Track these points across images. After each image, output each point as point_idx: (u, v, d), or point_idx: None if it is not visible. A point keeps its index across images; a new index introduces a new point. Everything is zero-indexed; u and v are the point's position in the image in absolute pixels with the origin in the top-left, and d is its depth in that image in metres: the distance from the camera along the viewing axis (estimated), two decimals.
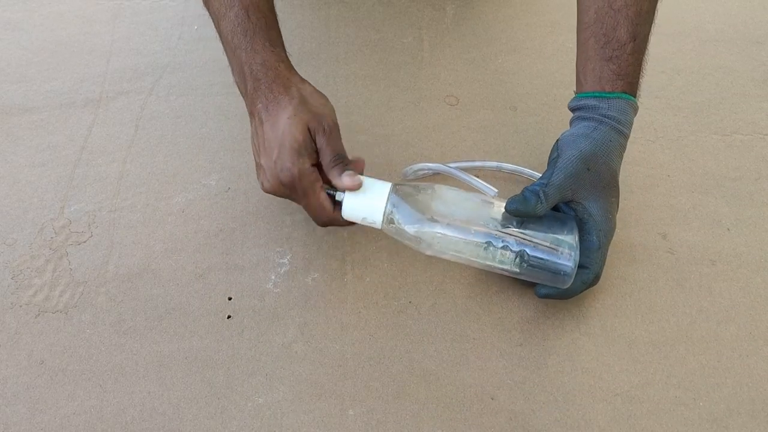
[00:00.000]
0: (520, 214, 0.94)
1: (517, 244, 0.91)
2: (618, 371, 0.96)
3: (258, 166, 1.00)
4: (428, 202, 0.94)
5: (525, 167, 1.14)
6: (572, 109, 1.06)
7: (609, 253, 1.01)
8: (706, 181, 1.18)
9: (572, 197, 0.97)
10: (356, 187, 0.93)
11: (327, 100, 1.01)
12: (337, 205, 0.96)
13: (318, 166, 0.97)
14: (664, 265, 1.07)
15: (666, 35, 1.45)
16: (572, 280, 0.92)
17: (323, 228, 1.07)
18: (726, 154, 1.22)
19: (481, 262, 0.94)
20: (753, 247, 1.10)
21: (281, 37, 1.03)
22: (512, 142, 1.24)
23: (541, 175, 1.00)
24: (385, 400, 0.93)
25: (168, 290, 1.03)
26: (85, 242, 1.08)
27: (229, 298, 1.02)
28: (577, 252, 0.92)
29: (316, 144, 0.95)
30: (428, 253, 0.95)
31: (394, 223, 0.94)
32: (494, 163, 1.16)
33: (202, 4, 1.06)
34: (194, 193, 1.15)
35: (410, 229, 0.93)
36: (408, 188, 0.96)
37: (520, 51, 1.25)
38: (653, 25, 1.05)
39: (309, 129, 0.94)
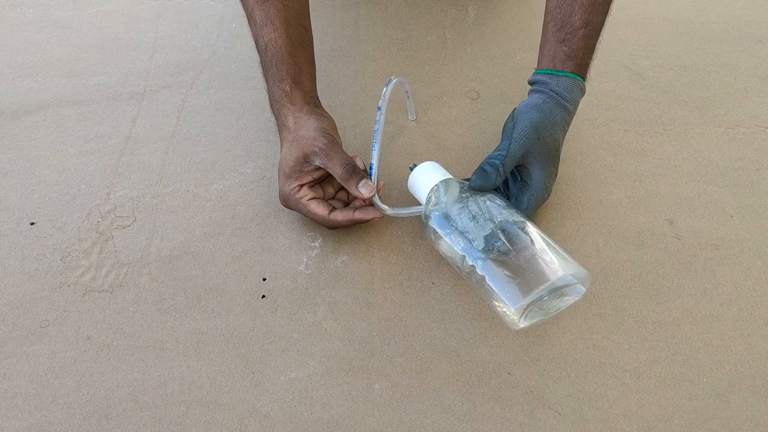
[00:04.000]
0: (484, 188, 0.95)
1: (481, 270, 0.88)
2: (627, 349, 0.95)
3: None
4: (454, 203, 0.94)
5: None
6: (530, 83, 1.09)
7: (618, 238, 1.03)
8: (710, 171, 1.17)
9: (522, 163, 0.99)
10: (372, 194, 0.98)
11: (324, 120, 1.05)
12: (334, 210, 1.02)
13: (320, 183, 1.06)
14: (671, 249, 1.06)
15: (673, 34, 1.44)
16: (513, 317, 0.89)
17: None
18: (729, 146, 1.21)
19: (456, 264, 0.93)
20: (754, 232, 1.08)
21: (295, 65, 1.07)
22: None
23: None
24: (409, 375, 0.92)
25: (206, 271, 1.03)
26: (129, 226, 1.08)
27: (264, 279, 1.02)
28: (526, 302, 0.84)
29: (315, 165, 1.00)
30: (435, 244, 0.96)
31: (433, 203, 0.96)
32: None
33: (240, 4, 1.08)
34: (231, 180, 1.15)
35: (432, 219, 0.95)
36: (456, 186, 0.97)
37: (537, 49, 1.24)
38: (608, 15, 1.07)
39: (305, 155, 1.00)
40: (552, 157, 1.01)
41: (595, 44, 1.06)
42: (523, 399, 0.90)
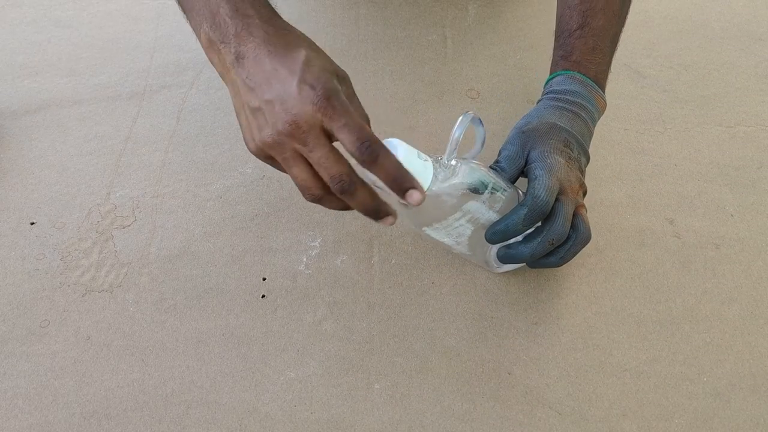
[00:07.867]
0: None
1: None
2: (627, 348, 0.95)
3: (254, 111, 0.77)
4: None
5: None
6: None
7: (619, 237, 1.03)
8: (711, 170, 1.17)
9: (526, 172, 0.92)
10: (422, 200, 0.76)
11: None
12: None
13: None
14: (671, 248, 1.06)
15: (674, 33, 1.44)
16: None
17: (349, 213, 1.07)
18: (730, 145, 1.21)
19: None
20: (755, 231, 1.08)
21: None
22: None
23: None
24: (408, 374, 0.92)
25: (206, 271, 1.03)
26: (129, 226, 1.08)
27: (264, 279, 1.02)
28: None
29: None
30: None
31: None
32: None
33: None
34: (231, 180, 1.15)
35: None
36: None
37: (537, 48, 1.25)
38: (616, 19, 1.07)
39: (335, 70, 0.77)
40: (544, 146, 0.92)
41: (602, 44, 1.04)
42: (522, 398, 0.90)
